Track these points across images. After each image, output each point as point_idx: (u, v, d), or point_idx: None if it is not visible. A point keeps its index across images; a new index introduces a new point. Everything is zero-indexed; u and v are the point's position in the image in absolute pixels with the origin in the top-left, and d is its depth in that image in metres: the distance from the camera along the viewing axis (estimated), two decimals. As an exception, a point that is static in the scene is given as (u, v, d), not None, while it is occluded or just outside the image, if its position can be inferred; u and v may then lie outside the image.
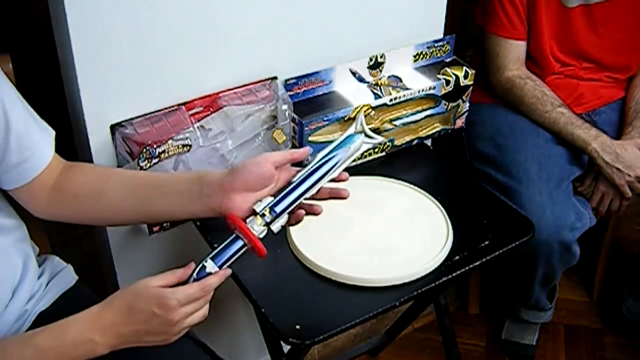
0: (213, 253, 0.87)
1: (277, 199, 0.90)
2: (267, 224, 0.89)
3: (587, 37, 1.56)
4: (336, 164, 0.93)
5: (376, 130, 1.31)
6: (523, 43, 1.56)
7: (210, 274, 0.86)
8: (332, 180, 0.93)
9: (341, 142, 0.95)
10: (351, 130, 0.97)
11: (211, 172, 0.92)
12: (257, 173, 0.89)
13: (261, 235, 0.89)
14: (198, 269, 0.86)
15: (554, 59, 1.58)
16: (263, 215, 0.89)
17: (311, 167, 0.93)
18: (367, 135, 0.98)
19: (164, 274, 0.85)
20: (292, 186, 0.91)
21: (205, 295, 0.85)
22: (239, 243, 0.88)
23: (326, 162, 0.93)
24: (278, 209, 0.90)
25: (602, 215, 1.56)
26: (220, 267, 0.87)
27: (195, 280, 0.85)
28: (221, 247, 0.88)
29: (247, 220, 0.89)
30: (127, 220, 1.05)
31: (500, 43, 1.55)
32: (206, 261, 0.86)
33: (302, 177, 0.92)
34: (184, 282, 0.85)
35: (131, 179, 0.98)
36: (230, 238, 0.88)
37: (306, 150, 0.94)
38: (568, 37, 1.56)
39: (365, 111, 1.27)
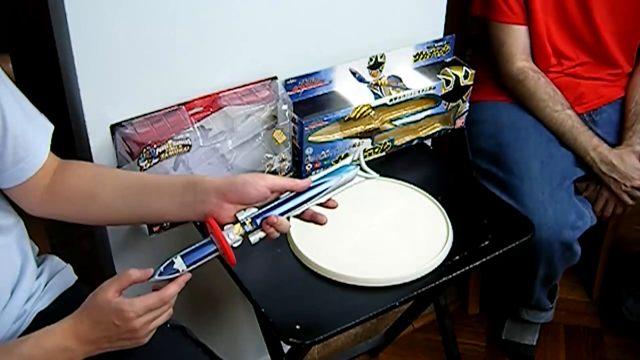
0: (184, 251, 0.89)
1: (262, 211, 0.92)
2: (246, 234, 0.91)
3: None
4: (325, 189, 0.95)
5: (376, 130, 1.31)
6: (524, 28, 1.55)
7: (177, 271, 0.87)
8: (320, 205, 0.95)
9: (335, 170, 0.97)
10: (348, 160, 0.99)
11: (206, 179, 0.93)
12: (254, 195, 0.91)
13: (235, 245, 0.90)
14: (166, 263, 0.87)
15: (550, 45, 1.57)
16: (244, 224, 0.90)
17: None
18: (362, 169, 0.99)
19: (119, 277, 0.87)
20: (278, 202, 0.93)
21: (164, 304, 0.87)
22: (212, 248, 0.90)
23: (316, 186, 0.95)
24: (260, 220, 0.91)
25: (607, 218, 1.57)
26: (188, 266, 0.88)
27: (161, 274, 0.87)
28: (193, 247, 0.89)
29: (225, 228, 0.90)
30: (121, 221, 1.06)
31: (504, 30, 1.55)
32: (176, 257, 0.88)
33: (290, 196, 0.94)
34: (152, 275, 0.87)
35: (124, 181, 0.98)
36: (204, 241, 0.90)
37: (307, 183, 0.94)
38: (563, 11, 1.55)
39: (365, 111, 1.27)
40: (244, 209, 0.91)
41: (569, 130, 1.52)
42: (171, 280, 0.88)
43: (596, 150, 1.50)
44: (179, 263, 0.88)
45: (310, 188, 0.94)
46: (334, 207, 0.97)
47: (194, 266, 0.89)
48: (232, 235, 0.90)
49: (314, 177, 0.95)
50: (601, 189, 1.53)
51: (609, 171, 1.49)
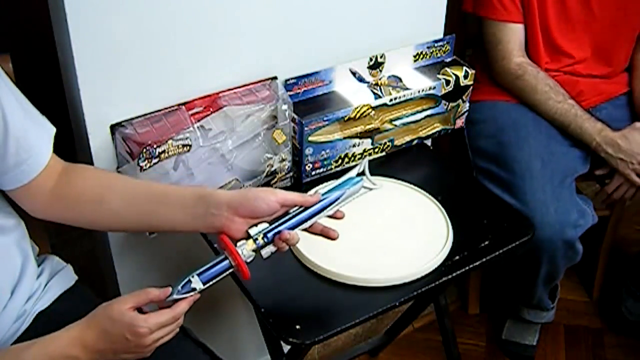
0: (200, 270, 0.90)
1: (272, 226, 0.94)
2: (258, 249, 0.92)
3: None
4: (333, 202, 0.97)
5: (376, 130, 1.31)
6: (520, 26, 1.55)
7: (194, 289, 0.89)
8: (328, 216, 0.98)
9: (342, 183, 1.00)
10: (353, 172, 1.01)
11: (218, 192, 0.94)
12: (265, 210, 0.92)
13: (249, 260, 0.92)
14: (184, 282, 0.89)
15: (550, 42, 1.57)
16: (256, 240, 0.92)
17: None
18: (367, 179, 1.02)
19: (138, 293, 0.88)
20: (289, 216, 0.95)
21: (175, 321, 0.88)
22: (227, 264, 0.91)
23: (324, 199, 0.97)
24: (271, 235, 0.93)
25: (616, 200, 1.58)
26: (205, 284, 0.89)
27: (178, 292, 0.88)
28: (209, 265, 0.91)
29: (238, 244, 0.92)
30: (127, 228, 1.06)
31: (499, 28, 1.55)
32: (192, 276, 0.89)
33: (300, 210, 0.96)
34: (170, 294, 0.88)
35: (134, 188, 0.98)
36: (219, 258, 0.91)
37: (317, 198, 0.96)
38: (563, 6, 1.55)
39: (365, 111, 1.27)
40: (255, 225, 0.93)
41: (574, 119, 1.52)
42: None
43: (601, 134, 1.50)
44: (195, 281, 0.89)
45: (319, 201, 0.97)
46: (341, 218, 0.99)
47: (210, 283, 0.90)
48: (246, 252, 0.91)
49: (322, 191, 0.98)
50: (615, 173, 1.54)
51: (615, 152, 1.49)
